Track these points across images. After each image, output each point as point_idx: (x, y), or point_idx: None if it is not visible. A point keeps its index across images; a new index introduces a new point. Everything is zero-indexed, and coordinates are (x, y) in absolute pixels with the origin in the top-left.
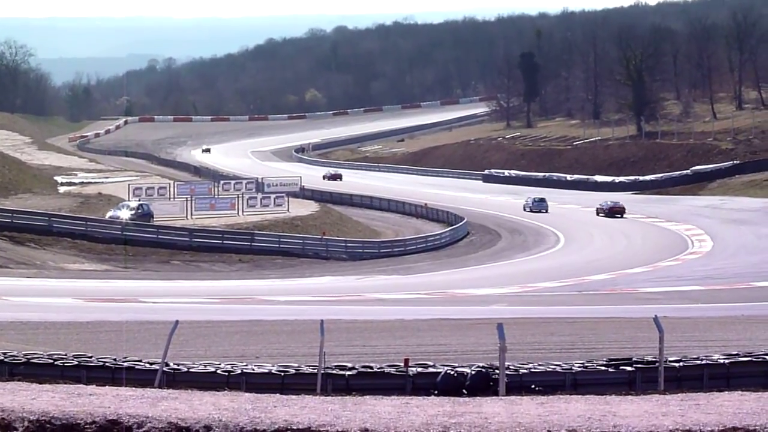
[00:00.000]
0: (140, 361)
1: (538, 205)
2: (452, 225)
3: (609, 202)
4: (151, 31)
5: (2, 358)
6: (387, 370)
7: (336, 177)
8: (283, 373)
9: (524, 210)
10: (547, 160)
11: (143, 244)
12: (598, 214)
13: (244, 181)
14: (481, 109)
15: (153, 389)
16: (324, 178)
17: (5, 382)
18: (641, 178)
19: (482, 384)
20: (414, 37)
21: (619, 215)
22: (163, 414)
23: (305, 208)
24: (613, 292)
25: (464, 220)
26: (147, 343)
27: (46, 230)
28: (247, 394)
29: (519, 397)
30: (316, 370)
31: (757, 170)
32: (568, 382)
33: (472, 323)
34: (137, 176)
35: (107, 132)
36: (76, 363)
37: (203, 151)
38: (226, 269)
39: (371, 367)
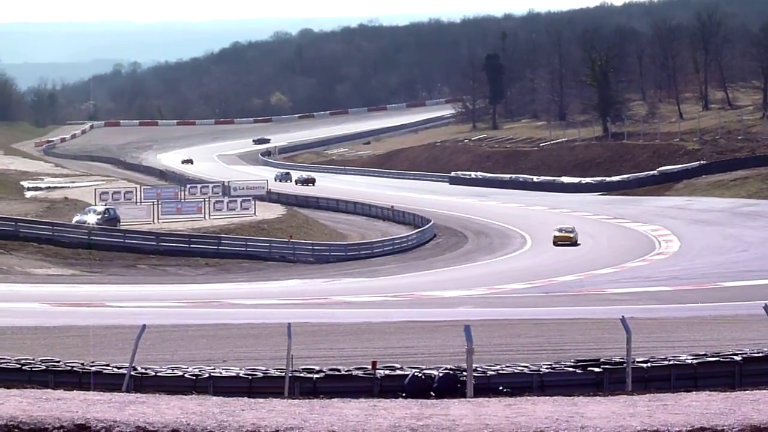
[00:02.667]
0: (108, 365)
1: (284, 177)
2: (419, 227)
3: (304, 176)
4: (115, 35)
5: None
6: (354, 372)
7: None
8: (250, 377)
9: (275, 181)
10: (513, 162)
11: (110, 249)
12: (297, 184)
13: (211, 185)
14: (446, 111)
15: (120, 393)
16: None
17: None
18: (607, 179)
19: (450, 386)
20: (379, 40)
21: (311, 184)
22: (130, 418)
23: (272, 211)
24: (580, 294)
25: (431, 223)
26: (114, 348)
27: (13, 235)
28: (214, 397)
29: (486, 399)
30: (283, 374)
31: (723, 170)
32: (535, 384)
33: (438, 325)
34: (103, 181)
35: (73, 137)
36: (44, 368)
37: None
38: (193, 273)
39: (339, 370)
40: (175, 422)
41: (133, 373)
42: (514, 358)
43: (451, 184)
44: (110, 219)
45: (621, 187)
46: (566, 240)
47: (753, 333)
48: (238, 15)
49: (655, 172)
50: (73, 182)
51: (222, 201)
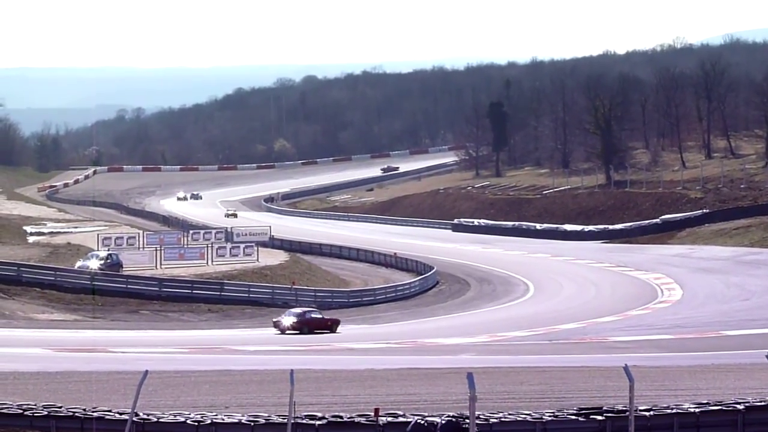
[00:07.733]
0: (110, 411)
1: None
2: (421, 274)
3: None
4: (119, 81)
5: None
6: (357, 419)
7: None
8: (252, 423)
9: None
10: (516, 209)
11: (112, 294)
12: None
13: (213, 231)
14: (450, 158)
15: None
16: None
17: None
18: (610, 227)
19: None
20: (382, 87)
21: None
22: None
23: (274, 257)
24: (582, 341)
25: (433, 270)
26: (116, 393)
27: (15, 280)
28: None
29: None
30: (286, 420)
31: (726, 219)
32: None
33: (441, 372)
34: (106, 226)
35: (76, 182)
36: (46, 413)
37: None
38: (195, 319)
39: (341, 417)
40: None
41: (135, 419)
42: (517, 405)
43: (454, 231)
44: (113, 264)
45: (624, 235)
46: (233, 215)
47: (755, 381)
48: (241, 62)
49: (658, 220)
50: (76, 227)
51: (225, 247)
